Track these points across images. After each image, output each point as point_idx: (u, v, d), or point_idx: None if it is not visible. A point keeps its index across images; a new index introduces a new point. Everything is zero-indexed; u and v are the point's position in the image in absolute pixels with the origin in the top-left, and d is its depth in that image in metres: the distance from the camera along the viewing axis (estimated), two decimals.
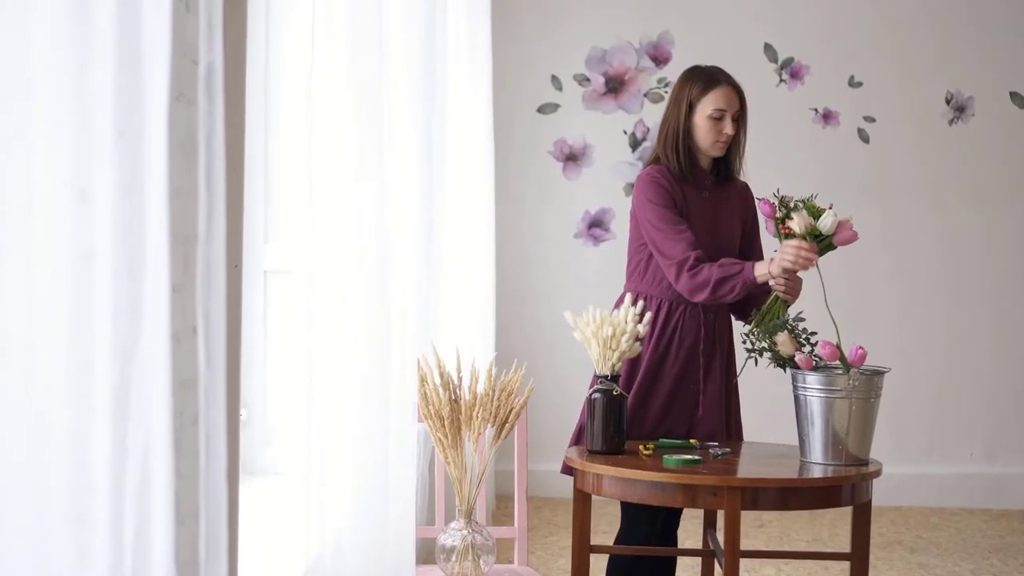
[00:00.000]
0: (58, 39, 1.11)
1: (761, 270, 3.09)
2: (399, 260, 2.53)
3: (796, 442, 3.26)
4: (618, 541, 3.36)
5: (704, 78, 3.27)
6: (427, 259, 2.85)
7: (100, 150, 1.16)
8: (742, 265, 3.11)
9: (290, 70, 3.72)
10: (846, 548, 4.85)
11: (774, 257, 3.08)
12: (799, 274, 3.14)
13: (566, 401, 4.64)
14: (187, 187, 1.37)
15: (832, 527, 5.31)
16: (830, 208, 3.12)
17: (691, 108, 3.25)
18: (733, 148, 3.31)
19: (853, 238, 3.13)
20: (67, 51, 1.12)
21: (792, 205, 3.11)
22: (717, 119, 3.23)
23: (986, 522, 5.56)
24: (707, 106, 3.23)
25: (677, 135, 3.26)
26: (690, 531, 4.51)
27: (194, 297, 1.37)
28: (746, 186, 3.42)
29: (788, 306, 3.16)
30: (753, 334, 3.09)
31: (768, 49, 5.79)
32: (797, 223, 3.07)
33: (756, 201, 3.25)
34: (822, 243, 3.09)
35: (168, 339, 1.26)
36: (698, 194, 3.30)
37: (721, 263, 3.13)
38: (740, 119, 3.27)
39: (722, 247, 3.27)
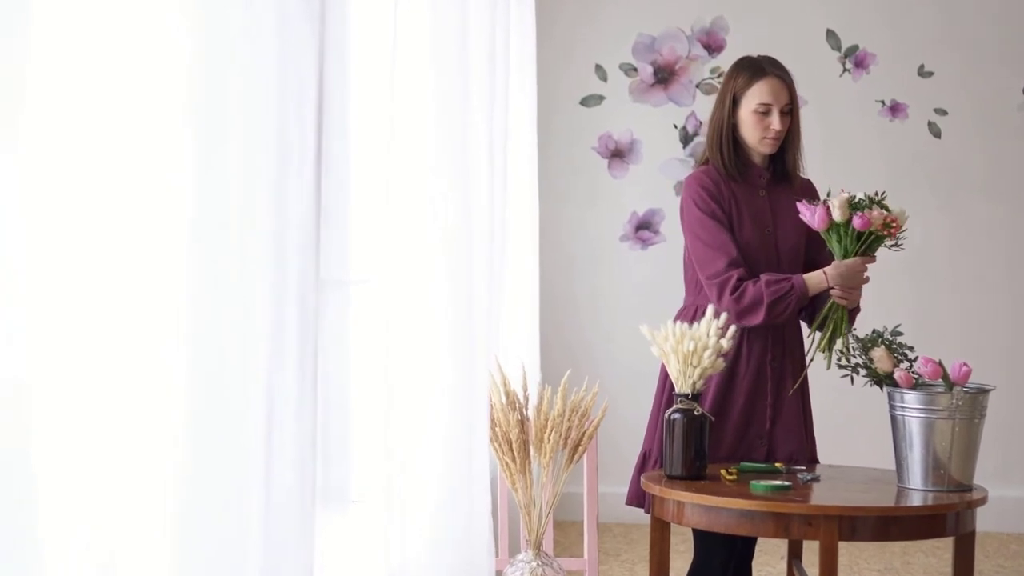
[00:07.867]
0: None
1: (815, 281, 3.02)
2: (480, 270, 2.36)
3: (874, 464, 3.25)
4: (693, 572, 3.17)
5: (749, 69, 3.16)
6: (489, 267, 2.69)
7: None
8: (791, 281, 3.02)
9: (343, 70, 3.50)
10: None
11: (827, 270, 3.02)
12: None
13: (613, 418, 4.37)
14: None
15: (904, 555, 5.02)
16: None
17: (736, 102, 3.15)
18: (788, 143, 3.19)
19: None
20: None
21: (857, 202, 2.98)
22: (763, 113, 3.11)
23: None
24: (752, 100, 3.12)
25: (722, 131, 3.16)
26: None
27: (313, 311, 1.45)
28: (809, 183, 3.29)
29: (849, 311, 3.07)
30: (848, 349, 2.94)
31: (831, 36, 5.58)
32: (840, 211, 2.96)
33: (803, 204, 3.06)
34: (879, 240, 3.00)
35: (315, 356, 1.40)
36: (753, 193, 3.19)
37: (767, 281, 3.04)
38: (791, 112, 3.15)
39: (784, 250, 3.15)
